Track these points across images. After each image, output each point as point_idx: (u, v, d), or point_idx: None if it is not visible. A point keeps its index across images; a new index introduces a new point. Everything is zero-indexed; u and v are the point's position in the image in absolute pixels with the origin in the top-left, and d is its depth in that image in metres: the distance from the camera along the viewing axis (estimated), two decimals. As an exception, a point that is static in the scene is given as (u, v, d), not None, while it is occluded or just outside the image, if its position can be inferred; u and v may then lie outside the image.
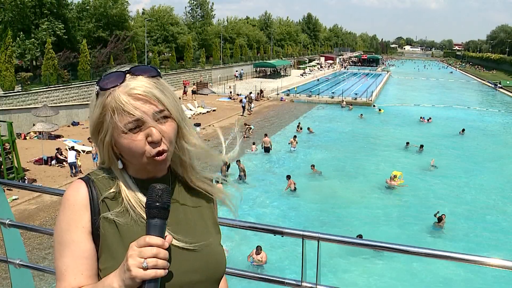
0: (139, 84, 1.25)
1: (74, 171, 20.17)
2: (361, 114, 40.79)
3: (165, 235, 1.18)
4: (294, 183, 20.07)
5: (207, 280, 1.33)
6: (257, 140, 28.25)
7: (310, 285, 2.06)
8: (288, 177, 20.36)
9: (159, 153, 1.25)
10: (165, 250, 1.14)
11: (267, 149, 26.55)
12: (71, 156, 20.47)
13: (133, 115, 1.22)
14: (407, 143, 28.89)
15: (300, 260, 2.09)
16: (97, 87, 1.27)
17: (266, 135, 27.91)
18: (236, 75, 66.77)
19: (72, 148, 21.90)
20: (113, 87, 1.25)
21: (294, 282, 2.09)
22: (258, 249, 13.42)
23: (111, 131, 1.26)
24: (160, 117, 1.25)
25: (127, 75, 1.27)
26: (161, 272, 1.13)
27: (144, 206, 1.23)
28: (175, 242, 1.26)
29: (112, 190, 1.31)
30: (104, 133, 1.29)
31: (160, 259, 1.13)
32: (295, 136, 28.02)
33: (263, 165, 24.76)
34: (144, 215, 1.24)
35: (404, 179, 21.55)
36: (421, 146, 28.08)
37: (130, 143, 1.24)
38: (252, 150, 26.42)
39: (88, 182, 1.32)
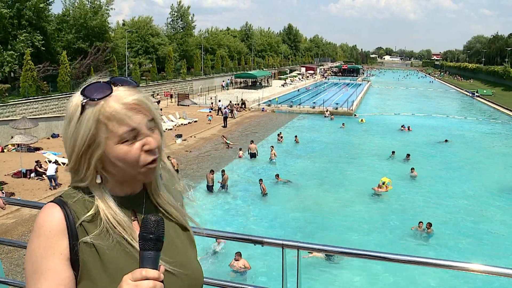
0: (131, 93, 1.24)
1: (54, 183, 19.87)
2: (343, 124, 41.12)
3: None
4: (265, 188, 20.71)
5: None
6: (244, 146, 29.01)
7: (291, 294, 2.06)
8: (261, 181, 21.03)
9: (153, 161, 1.25)
10: (160, 283, 1.10)
11: (253, 155, 27.60)
12: (50, 169, 20.14)
13: (130, 124, 1.21)
14: (393, 152, 29.00)
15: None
16: (84, 99, 1.22)
17: (252, 141, 29.00)
18: (223, 84, 67.95)
19: (56, 162, 21.58)
20: (104, 97, 1.22)
21: (275, 292, 2.09)
22: (237, 256, 13.23)
23: (104, 143, 1.22)
24: (152, 126, 1.25)
25: (112, 85, 1.25)
26: None
27: (119, 223, 1.23)
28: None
29: (90, 212, 1.26)
30: (94, 146, 1.23)
31: None
32: (272, 147, 28.06)
33: (247, 172, 24.94)
34: (125, 235, 1.24)
35: (392, 186, 21.79)
36: (408, 155, 28.17)
37: (128, 152, 1.22)
38: (239, 156, 27.60)
39: (62, 205, 1.25)
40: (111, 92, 1.23)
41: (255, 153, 27.63)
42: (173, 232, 1.37)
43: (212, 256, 14.38)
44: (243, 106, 48.74)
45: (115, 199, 1.29)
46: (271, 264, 13.35)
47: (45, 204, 1.28)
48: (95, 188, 1.29)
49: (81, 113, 1.23)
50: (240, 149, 28.30)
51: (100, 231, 1.24)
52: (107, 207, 1.27)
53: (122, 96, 1.23)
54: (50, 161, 22.13)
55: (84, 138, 1.23)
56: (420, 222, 16.95)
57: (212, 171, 21.45)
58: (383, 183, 21.55)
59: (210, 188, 20.93)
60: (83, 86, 1.25)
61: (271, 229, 17.00)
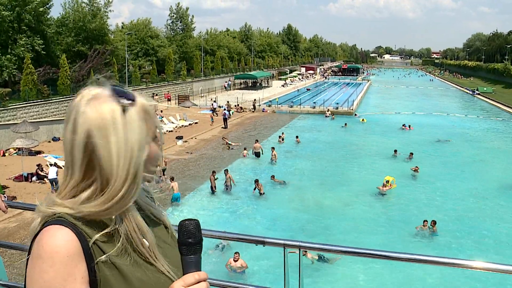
0: (146, 99, 1.26)
1: (56, 187, 19.87)
2: (346, 124, 41.16)
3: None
4: (262, 188, 20.87)
5: None
6: (246, 147, 29.23)
7: (293, 294, 2.06)
8: (257, 181, 21.10)
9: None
10: (207, 283, 1.15)
11: (257, 154, 27.98)
12: (52, 172, 20.15)
13: (155, 124, 1.25)
14: (395, 151, 28.99)
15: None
16: (127, 101, 1.16)
17: (257, 141, 29.37)
18: (225, 85, 68.69)
19: (55, 165, 21.57)
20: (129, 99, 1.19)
21: (277, 292, 2.09)
22: (236, 256, 13.37)
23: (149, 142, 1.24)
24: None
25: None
26: None
27: (112, 235, 1.18)
28: (165, 270, 1.23)
29: (108, 229, 1.18)
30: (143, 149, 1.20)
31: None
32: (273, 148, 28.01)
33: (250, 172, 24.99)
34: (138, 242, 1.20)
35: (395, 184, 21.81)
36: (411, 154, 28.15)
37: (157, 149, 1.25)
38: (243, 156, 27.98)
39: (67, 224, 1.14)
40: (132, 96, 1.21)
41: (259, 152, 27.99)
42: (161, 233, 1.33)
43: (214, 256, 14.38)
44: (241, 108, 48.72)
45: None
46: (273, 264, 13.36)
47: (45, 227, 1.14)
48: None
49: (125, 115, 1.16)
50: (245, 149, 28.64)
51: (119, 248, 1.17)
52: (129, 221, 1.20)
53: (147, 101, 1.25)
54: (50, 164, 22.12)
55: (139, 142, 1.16)
56: (424, 221, 16.93)
57: (214, 172, 21.47)
58: (387, 182, 21.52)
59: (212, 189, 20.95)
60: (117, 89, 1.18)
61: (273, 230, 16.99)
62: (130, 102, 1.17)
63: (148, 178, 1.26)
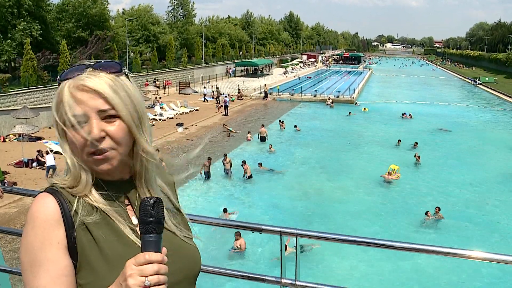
0: (91, 78, 1.21)
1: (52, 174, 19.82)
2: (350, 112, 41.23)
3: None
4: (249, 171, 21.08)
5: (184, 279, 1.31)
6: (246, 134, 29.56)
7: (289, 281, 2.07)
8: (244, 162, 21.28)
9: (99, 152, 1.20)
10: (165, 265, 1.08)
11: (263, 139, 28.52)
12: (49, 160, 20.07)
13: (74, 109, 1.19)
14: (399, 140, 28.94)
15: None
16: (58, 78, 1.26)
17: (263, 125, 30.02)
18: (230, 71, 69.48)
19: (51, 151, 21.52)
20: (67, 79, 1.23)
21: (273, 279, 2.09)
22: (237, 235, 13.58)
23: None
24: (106, 115, 1.20)
25: (88, 69, 1.24)
26: None
27: (95, 208, 1.23)
28: None
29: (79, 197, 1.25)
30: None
31: (161, 275, 1.07)
32: (270, 145, 27.68)
33: (252, 157, 24.98)
34: (117, 221, 1.24)
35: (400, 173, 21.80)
36: (416, 143, 28.14)
37: (73, 137, 1.20)
38: (248, 139, 28.55)
39: (54, 193, 1.23)
40: (78, 75, 1.22)
41: (265, 136, 28.55)
42: (167, 215, 1.33)
43: (209, 243, 14.42)
44: (242, 95, 48.63)
45: (104, 182, 1.28)
46: (270, 251, 13.43)
47: (38, 193, 1.26)
48: (82, 174, 1.26)
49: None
50: (249, 132, 29.25)
51: (88, 211, 1.23)
52: (90, 193, 1.26)
53: (78, 80, 1.21)
54: (47, 152, 22.02)
55: (55, 116, 1.24)
56: (427, 212, 16.97)
57: (209, 159, 21.36)
58: (393, 170, 21.47)
59: (207, 175, 20.90)
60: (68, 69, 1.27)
61: (270, 217, 17.01)
62: (58, 81, 1.26)
63: (91, 166, 1.24)
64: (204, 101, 43.85)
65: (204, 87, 48.36)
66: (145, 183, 1.34)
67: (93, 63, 1.26)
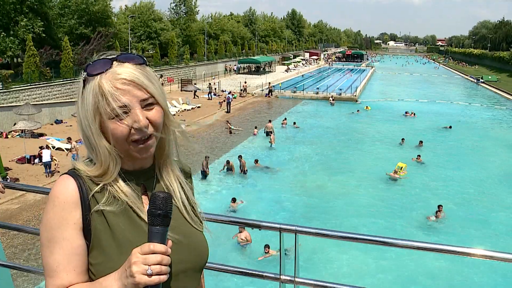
0: (126, 70, 1.27)
1: (48, 170, 19.79)
2: (358, 110, 41.22)
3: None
4: (245, 165, 21.19)
5: (191, 268, 1.37)
6: (249, 132, 30.03)
7: (288, 278, 2.07)
8: (240, 157, 21.44)
9: (144, 140, 1.29)
10: (168, 257, 1.17)
11: (269, 134, 28.59)
12: (46, 155, 20.02)
13: (120, 101, 1.24)
14: (402, 139, 28.87)
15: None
16: (84, 73, 1.29)
17: (270, 121, 30.40)
18: (234, 68, 70.06)
19: (53, 148, 21.48)
20: (100, 73, 1.27)
21: (273, 276, 2.09)
22: (240, 228, 13.65)
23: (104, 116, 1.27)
24: (147, 104, 1.28)
25: (114, 62, 1.29)
26: (164, 278, 1.15)
27: (126, 195, 1.31)
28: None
29: (101, 184, 1.32)
30: (99, 119, 1.28)
31: (164, 265, 1.15)
32: (271, 133, 28.17)
33: (258, 152, 25.12)
34: (133, 206, 1.31)
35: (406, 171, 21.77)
36: (420, 142, 28.07)
37: (116, 128, 1.26)
38: (254, 134, 29.54)
39: (75, 177, 1.32)
40: (108, 69, 1.27)
41: (271, 131, 28.71)
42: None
43: (209, 238, 14.43)
44: (245, 90, 48.62)
45: (123, 172, 1.35)
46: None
47: (61, 175, 1.35)
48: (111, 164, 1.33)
49: (83, 88, 1.30)
50: (255, 127, 30.06)
51: (107, 201, 1.30)
52: (114, 180, 1.33)
53: (115, 73, 1.27)
54: (43, 147, 21.92)
55: (85, 112, 1.28)
56: (439, 206, 16.97)
57: (207, 157, 21.28)
58: (400, 168, 21.40)
59: (203, 174, 20.70)
60: (89, 62, 1.31)
61: (269, 213, 17.03)
62: (85, 76, 1.29)
63: (134, 155, 1.31)
64: (208, 99, 43.71)
65: (224, 90, 48.11)
66: (163, 165, 1.42)
67: (115, 55, 1.32)
